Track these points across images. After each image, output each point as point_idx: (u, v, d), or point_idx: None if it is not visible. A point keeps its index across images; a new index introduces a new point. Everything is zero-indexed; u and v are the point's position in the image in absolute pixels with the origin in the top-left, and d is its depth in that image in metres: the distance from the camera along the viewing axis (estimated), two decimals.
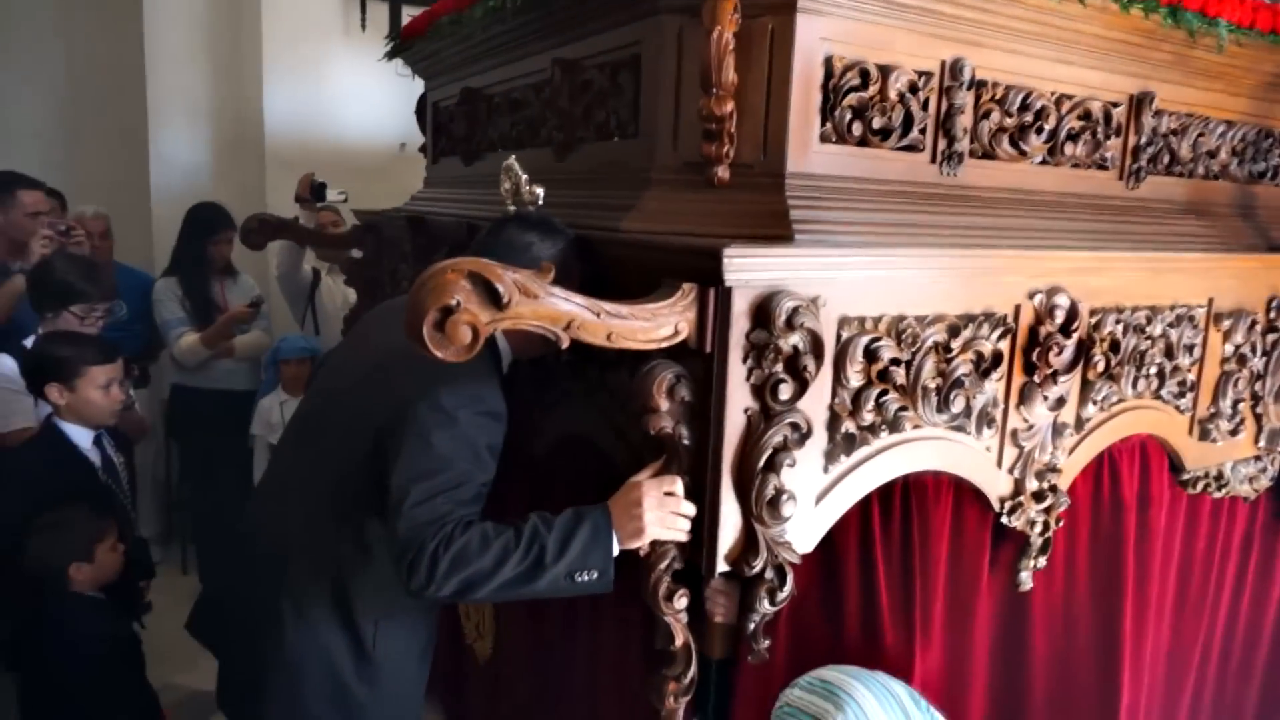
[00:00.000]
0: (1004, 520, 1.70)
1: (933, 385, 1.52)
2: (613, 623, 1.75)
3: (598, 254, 1.59)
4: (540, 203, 1.70)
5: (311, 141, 4.13)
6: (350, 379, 1.57)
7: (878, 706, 1.26)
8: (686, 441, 1.34)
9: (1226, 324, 2.02)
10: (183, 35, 4.11)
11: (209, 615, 1.63)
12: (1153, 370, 1.89)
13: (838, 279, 1.40)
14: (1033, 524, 1.73)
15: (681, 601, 1.38)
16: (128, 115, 4.42)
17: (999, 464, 1.67)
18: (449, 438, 1.34)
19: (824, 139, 1.57)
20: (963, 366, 1.55)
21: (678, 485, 1.34)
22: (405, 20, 4.15)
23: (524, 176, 1.72)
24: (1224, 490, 2.16)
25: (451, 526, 1.27)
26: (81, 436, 2.34)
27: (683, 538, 1.35)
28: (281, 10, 4.05)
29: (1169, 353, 1.92)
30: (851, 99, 1.57)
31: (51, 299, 2.59)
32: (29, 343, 2.57)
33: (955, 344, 1.54)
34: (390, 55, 2.81)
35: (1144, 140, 2.02)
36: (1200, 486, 2.11)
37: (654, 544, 1.35)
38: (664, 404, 1.31)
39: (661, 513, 1.32)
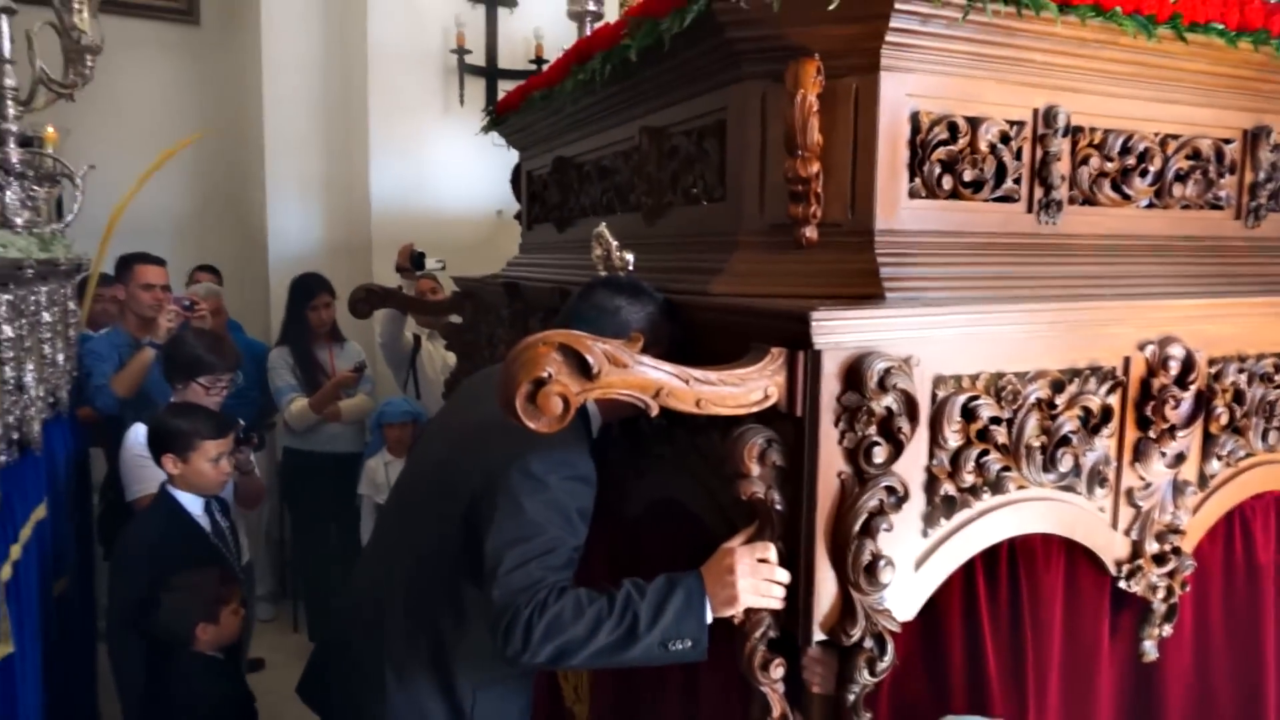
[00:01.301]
0: (1122, 585, 1.60)
1: (1037, 444, 1.46)
2: (712, 688, 1.71)
3: (687, 317, 1.60)
4: (631, 268, 1.73)
5: (413, 212, 4.34)
6: (446, 447, 1.62)
7: None
8: (779, 507, 1.32)
9: None
10: (298, 118, 4.41)
11: (317, 678, 1.68)
12: None
13: (931, 337, 1.37)
14: (1154, 589, 1.62)
15: (778, 671, 1.34)
16: (248, 196, 4.75)
17: (1114, 525, 1.58)
18: (540, 503, 1.35)
19: (913, 194, 1.55)
20: (1069, 423, 1.49)
21: (771, 552, 1.31)
22: (500, 92, 4.36)
23: (615, 243, 1.76)
24: None
25: (545, 593, 1.28)
26: (193, 503, 2.47)
27: (777, 605, 1.32)
28: (386, 90, 4.29)
29: None
30: (940, 153, 1.56)
31: (181, 371, 2.77)
32: None
33: (1060, 400, 1.48)
34: (487, 129, 2.94)
35: (1262, 176, 1.92)
36: None
37: (748, 612, 1.33)
38: (755, 469, 1.30)
39: (755, 580, 1.29)
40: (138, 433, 2.67)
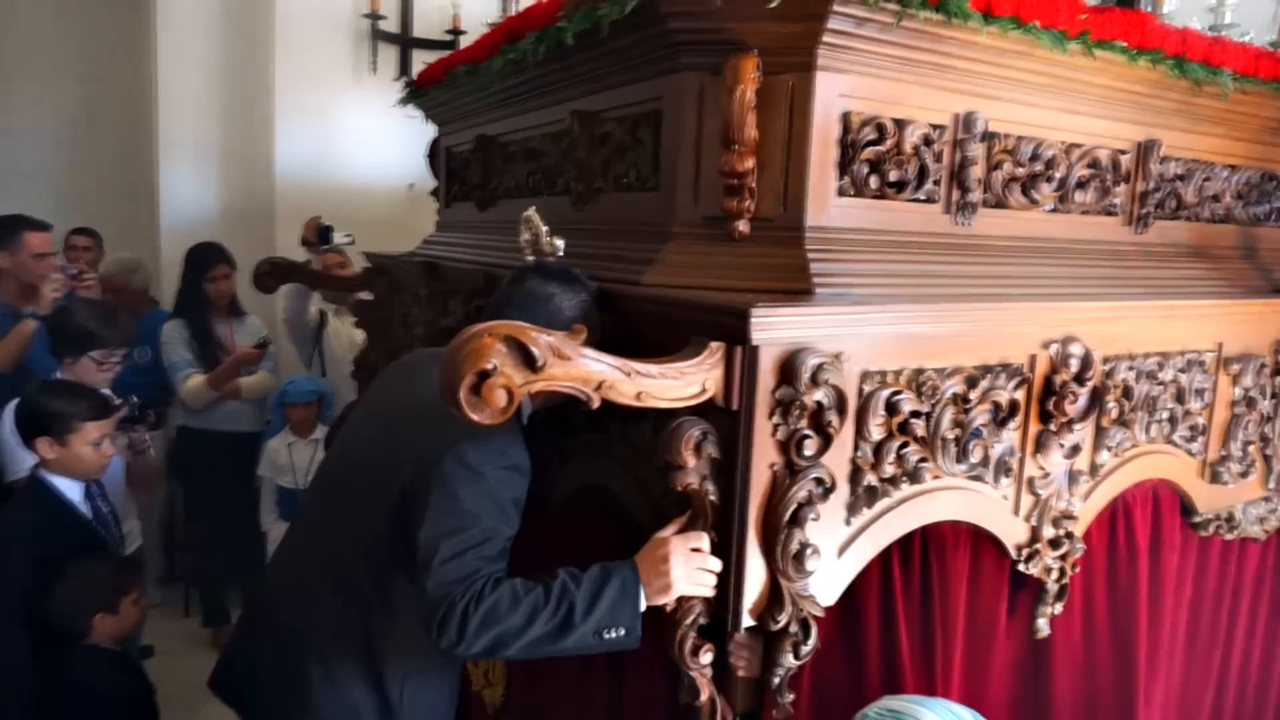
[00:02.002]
0: (1021, 568, 1.71)
1: (951, 436, 1.54)
2: (631, 674, 1.74)
3: (619, 306, 1.61)
4: (561, 254, 1.72)
5: (320, 183, 4.18)
6: (373, 436, 1.58)
7: None
8: (713, 497, 1.35)
9: (1235, 368, 2.04)
10: (195, 78, 4.17)
11: (232, 673, 1.62)
12: (1164, 415, 1.91)
13: (859, 334, 1.42)
14: (1049, 570, 1.74)
15: (707, 657, 1.38)
16: (138, 157, 4.47)
17: (1016, 512, 1.68)
18: (476, 493, 1.34)
19: (842, 192, 1.60)
20: (980, 417, 1.57)
21: (704, 541, 1.34)
22: (415, 62, 4.24)
23: (544, 228, 1.74)
24: (1235, 532, 2.17)
25: (481, 584, 1.28)
26: (71, 489, 2.33)
27: (709, 593, 1.36)
28: (293, 53, 4.10)
29: (1180, 398, 1.94)
30: (868, 153, 1.61)
31: (71, 344, 2.60)
32: None
33: (973, 395, 1.56)
34: (405, 101, 2.85)
35: (1151, 186, 2.06)
36: (1212, 529, 2.12)
37: (680, 599, 1.36)
38: (691, 460, 1.32)
39: (689, 569, 1.32)
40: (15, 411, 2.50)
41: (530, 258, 1.78)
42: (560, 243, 1.72)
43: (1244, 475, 2.12)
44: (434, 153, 2.95)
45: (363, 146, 4.30)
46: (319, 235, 3.39)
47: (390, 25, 4.31)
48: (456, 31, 4.32)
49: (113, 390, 2.71)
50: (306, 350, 3.68)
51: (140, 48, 4.35)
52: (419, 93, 2.77)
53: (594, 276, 1.65)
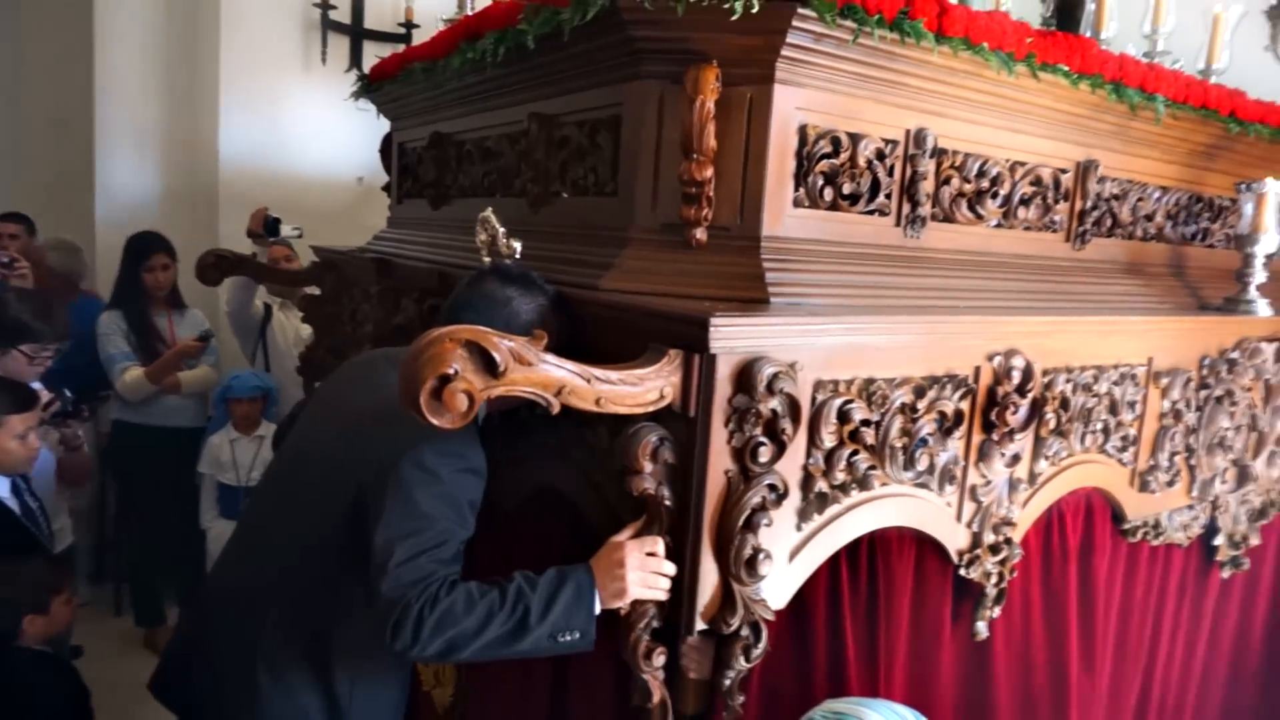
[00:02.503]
0: (962, 572, 1.76)
1: (899, 444, 1.58)
2: (579, 674, 1.75)
3: (577, 311, 1.61)
4: (518, 256, 1.72)
5: (267, 174, 4.08)
6: (327, 437, 1.56)
7: None
8: (668, 503, 1.37)
9: (1164, 381, 2.13)
10: (136, 63, 4.04)
11: (174, 675, 1.58)
12: (1098, 426, 1.98)
13: (813, 344, 1.45)
14: (989, 575, 1.80)
15: (660, 659, 1.40)
16: (73, 141, 4.31)
17: (959, 518, 1.73)
18: (432, 496, 1.34)
19: (797, 203, 1.63)
20: (927, 426, 1.61)
21: (659, 546, 1.36)
22: (366, 54, 4.18)
23: (501, 229, 1.74)
24: (1160, 538, 2.26)
25: (436, 586, 1.27)
26: None
27: (663, 597, 1.37)
28: (240, 41, 4.00)
29: (1113, 409, 2.02)
30: (824, 165, 1.64)
31: (1, 337, 2.50)
32: None
33: (921, 405, 1.60)
34: (358, 95, 2.81)
35: (1089, 204, 2.14)
36: (1139, 535, 2.20)
37: (634, 603, 1.37)
38: (648, 466, 1.33)
39: (644, 573, 1.34)
40: None
41: (487, 259, 1.77)
42: (517, 245, 1.72)
43: (1170, 484, 2.21)
44: (387, 148, 2.91)
45: (311, 138, 4.22)
46: (266, 227, 3.32)
47: (341, 15, 4.24)
48: (410, 25, 4.27)
49: (44, 383, 2.62)
50: (250, 344, 3.60)
51: (76, 25, 4.19)
52: (372, 87, 2.74)
53: (550, 280, 1.65)
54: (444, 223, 2.45)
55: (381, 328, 2.42)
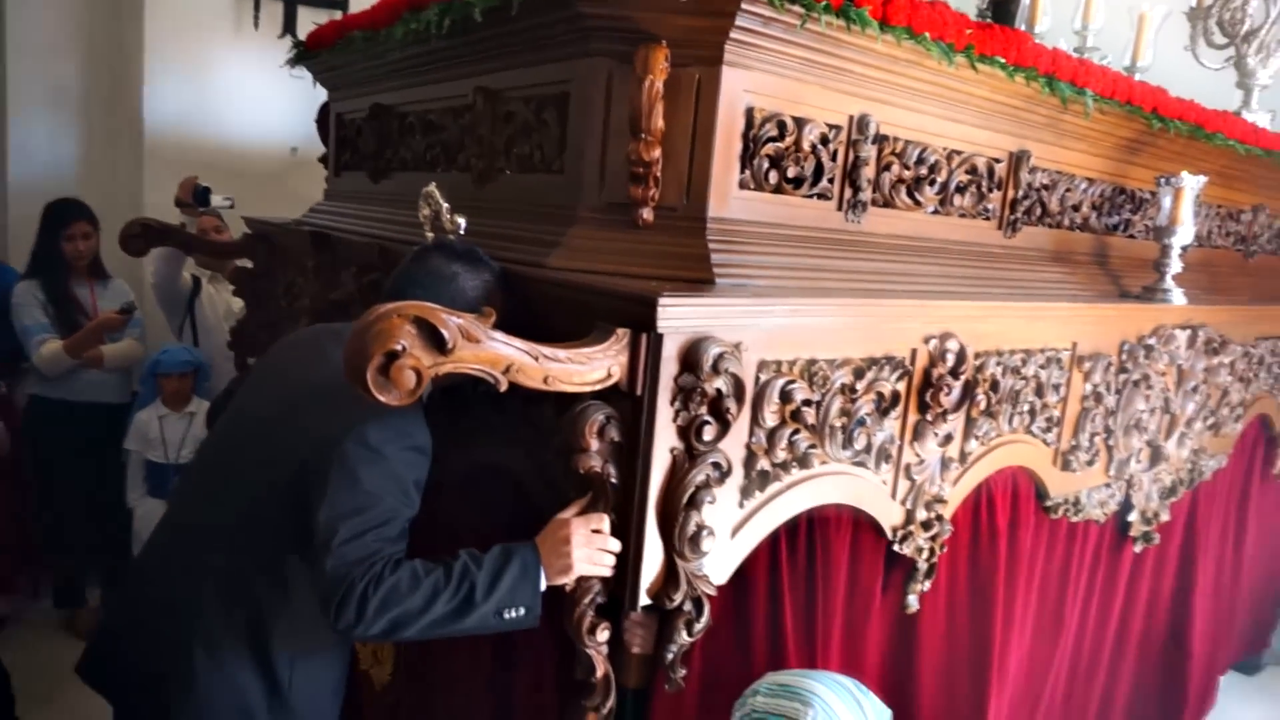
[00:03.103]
0: (895, 548, 1.82)
1: (839, 424, 1.62)
2: (520, 650, 1.76)
3: (523, 288, 1.61)
4: (462, 232, 1.70)
5: (195, 141, 3.93)
6: (267, 413, 1.53)
7: (836, 698, 1.34)
8: (614, 480, 1.38)
9: (1087, 365, 2.22)
10: (52, 16, 3.83)
11: (104, 658, 1.54)
12: (1025, 408, 2.07)
13: (758, 325, 1.47)
14: (920, 551, 1.86)
15: (603, 634, 1.41)
16: None
17: (893, 496, 1.79)
18: (377, 474, 1.32)
19: (743, 185, 1.65)
20: (866, 406, 1.66)
21: (604, 523, 1.37)
22: (300, 19, 4.04)
23: (446, 205, 1.72)
24: (1079, 514, 2.37)
25: (381, 565, 1.26)
26: None
27: (608, 573, 1.39)
28: (167, 1, 3.84)
29: (1039, 392, 2.10)
30: (769, 148, 1.66)
31: None
32: None
33: (860, 385, 1.65)
34: (294, 62, 2.72)
35: (1020, 194, 2.21)
36: (1060, 512, 2.31)
37: (579, 579, 1.38)
38: (594, 444, 1.34)
39: (589, 550, 1.35)
40: None
41: (430, 235, 1.75)
42: (462, 220, 1.70)
43: (1090, 463, 2.32)
44: (324, 118, 2.84)
45: (243, 105, 4.06)
46: (195, 196, 3.19)
47: None
48: None
49: None
50: (177, 318, 3.47)
51: None
52: (309, 54, 2.66)
53: (495, 257, 1.64)
54: (384, 196, 2.41)
55: (318, 302, 2.37)
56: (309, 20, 3.21)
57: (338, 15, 3.06)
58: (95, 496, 3.36)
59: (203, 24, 3.94)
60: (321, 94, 2.85)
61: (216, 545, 1.46)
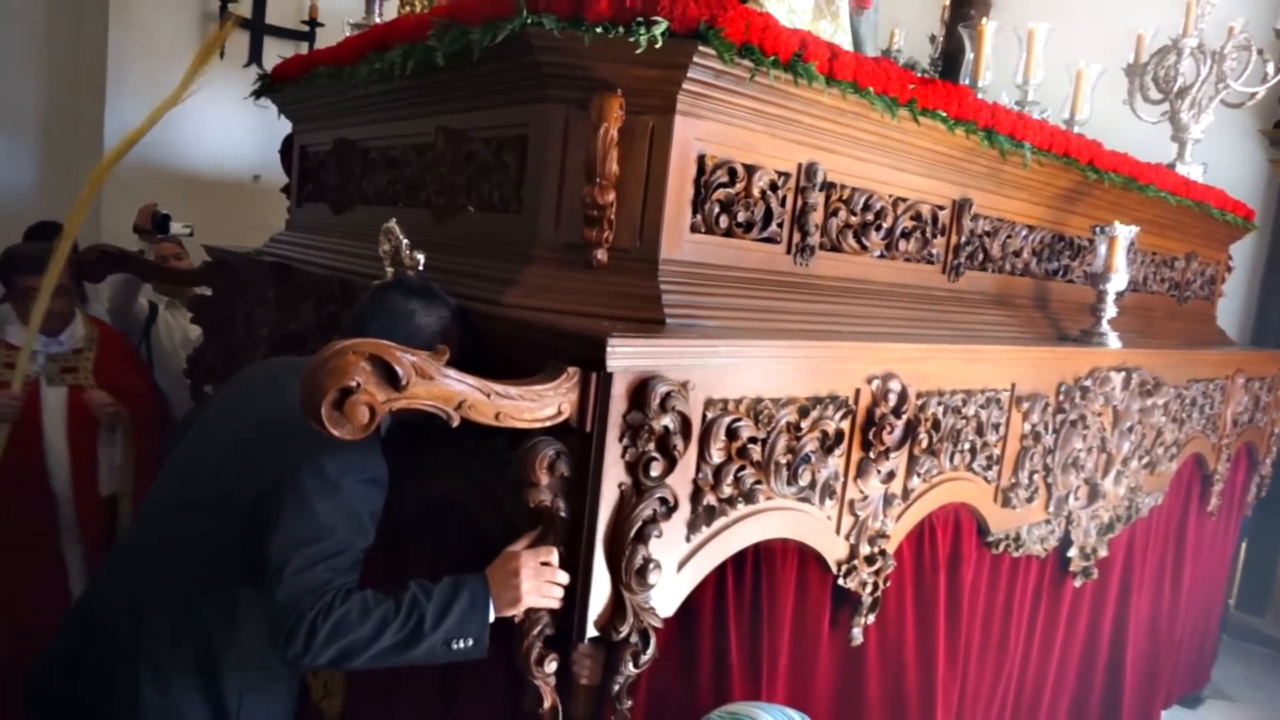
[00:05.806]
0: (840, 582, 1.87)
1: (784, 461, 1.67)
2: (468, 681, 1.77)
3: (478, 325, 1.65)
4: (421, 268, 1.74)
5: (156, 167, 3.92)
6: (225, 445, 1.54)
7: None
8: (563, 514, 1.42)
9: (1025, 405, 2.31)
10: (11, 34, 3.81)
11: (43, 687, 1.52)
12: (966, 446, 2.14)
13: (705, 364, 1.52)
14: (864, 585, 1.91)
15: (551, 665, 1.44)
16: None
17: (838, 531, 1.84)
18: (332, 506, 1.34)
19: (694, 229, 1.71)
20: (810, 444, 1.72)
21: (554, 555, 1.40)
22: (266, 50, 4.07)
23: (405, 241, 1.76)
24: (1020, 550, 2.45)
25: (331, 595, 1.28)
26: None
27: (556, 605, 1.42)
28: (130, 24, 3.84)
29: (980, 431, 2.18)
30: (720, 194, 1.73)
31: None
32: None
33: (805, 424, 1.70)
34: (259, 94, 2.75)
35: (963, 239, 2.31)
36: (1002, 547, 2.38)
37: (527, 611, 1.41)
38: (544, 478, 1.38)
39: (538, 582, 1.38)
40: None
41: (390, 269, 1.79)
42: (421, 257, 1.74)
43: (1029, 500, 2.40)
44: (288, 149, 2.86)
45: (206, 133, 4.07)
46: (155, 224, 3.18)
47: (242, 9, 4.12)
48: (314, 23, 4.19)
49: None
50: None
51: None
52: (274, 86, 2.69)
53: (452, 292, 1.68)
54: (346, 229, 2.44)
55: (277, 333, 2.38)
56: (275, 52, 3.24)
57: (304, 48, 3.10)
58: None
59: (166, 49, 3.95)
60: (285, 125, 2.88)
61: (169, 576, 1.46)
